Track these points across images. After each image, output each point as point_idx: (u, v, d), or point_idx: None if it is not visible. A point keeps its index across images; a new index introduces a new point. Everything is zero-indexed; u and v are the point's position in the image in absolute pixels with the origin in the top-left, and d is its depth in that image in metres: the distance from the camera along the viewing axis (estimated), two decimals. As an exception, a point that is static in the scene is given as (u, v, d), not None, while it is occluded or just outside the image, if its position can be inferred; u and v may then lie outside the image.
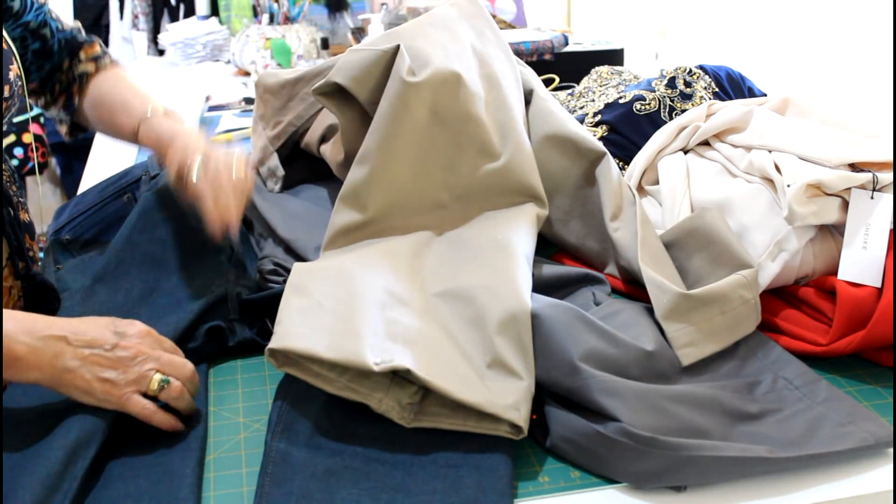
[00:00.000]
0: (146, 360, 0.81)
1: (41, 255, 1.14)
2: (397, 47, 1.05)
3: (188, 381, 0.84)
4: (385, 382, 0.79)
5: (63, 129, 1.25)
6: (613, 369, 0.83)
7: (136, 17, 3.40)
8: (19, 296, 1.02)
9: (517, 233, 1.00)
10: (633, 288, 1.05)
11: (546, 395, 0.84)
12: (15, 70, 1.02)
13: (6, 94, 0.99)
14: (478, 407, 0.76)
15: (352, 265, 0.92)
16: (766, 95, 1.37)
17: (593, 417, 0.80)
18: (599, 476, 0.79)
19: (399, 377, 0.79)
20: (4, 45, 1.01)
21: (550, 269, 1.03)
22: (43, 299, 1.01)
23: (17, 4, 1.12)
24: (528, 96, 1.17)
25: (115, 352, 0.80)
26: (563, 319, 0.86)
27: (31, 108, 1.14)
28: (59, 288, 1.06)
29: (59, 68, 1.20)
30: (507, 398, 0.78)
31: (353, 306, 0.84)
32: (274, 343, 0.78)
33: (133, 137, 1.13)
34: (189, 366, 0.84)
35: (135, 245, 1.05)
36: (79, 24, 1.22)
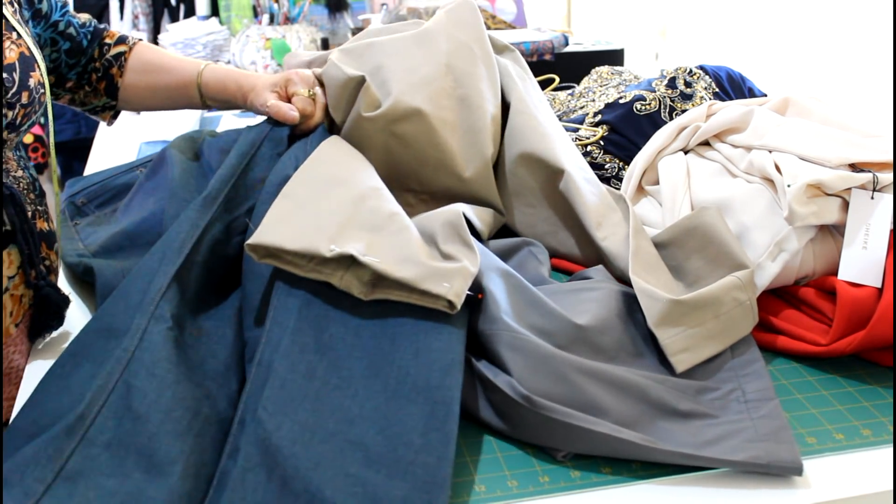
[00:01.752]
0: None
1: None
2: (362, 79, 1.13)
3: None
4: (345, 263, 0.89)
5: (107, 116, 1.30)
6: (539, 334, 0.87)
7: (136, 17, 3.40)
8: (30, 304, 1.02)
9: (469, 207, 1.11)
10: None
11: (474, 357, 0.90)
12: (37, 77, 1.02)
13: (24, 100, 0.99)
14: (407, 282, 0.86)
15: (345, 173, 1.04)
16: (766, 96, 1.37)
17: (496, 368, 0.86)
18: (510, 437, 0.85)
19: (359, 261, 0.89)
20: (27, 52, 1.02)
21: (494, 244, 1.11)
22: (48, 312, 1.02)
23: (45, 6, 1.15)
24: (506, 111, 1.21)
25: None
26: (498, 282, 0.93)
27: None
28: (80, 237, 1.18)
29: (91, 59, 1.25)
30: (438, 274, 0.87)
31: (327, 206, 0.96)
32: (251, 240, 0.89)
33: (194, 86, 1.24)
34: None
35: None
36: (88, 15, 1.26)
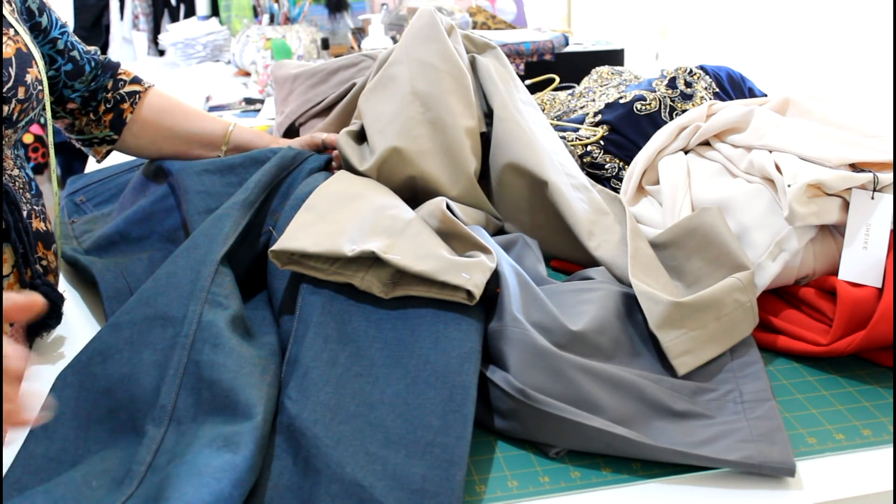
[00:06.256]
0: None
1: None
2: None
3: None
4: (366, 265, 0.92)
5: (101, 151, 1.30)
6: (541, 331, 0.88)
7: (136, 17, 3.40)
8: None
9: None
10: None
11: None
12: (34, 73, 1.03)
13: (21, 95, 0.99)
14: (427, 275, 0.88)
15: (364, 190, 1.08)
16: (766, 96, 1.37)
17: (494, 365, 0.87)
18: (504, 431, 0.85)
19: (380, 261, 0.91)
20: (24, 49, 1.02)
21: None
22: (45, 310, 1.02)
23: (45, 20, 1.15)
24: (489, 117, 1.21)
25: None
26: (512, 279, 0.94)
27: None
28: (75, 233, 1.22)
29: (104, 88, 1.26)
30: (457, 266, 0.90)
31: (348, 214, 0.99)
32: (275, 247, 0.92)
33: (219, 137, 1.27)
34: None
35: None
36: (96, 48, 1.27)
